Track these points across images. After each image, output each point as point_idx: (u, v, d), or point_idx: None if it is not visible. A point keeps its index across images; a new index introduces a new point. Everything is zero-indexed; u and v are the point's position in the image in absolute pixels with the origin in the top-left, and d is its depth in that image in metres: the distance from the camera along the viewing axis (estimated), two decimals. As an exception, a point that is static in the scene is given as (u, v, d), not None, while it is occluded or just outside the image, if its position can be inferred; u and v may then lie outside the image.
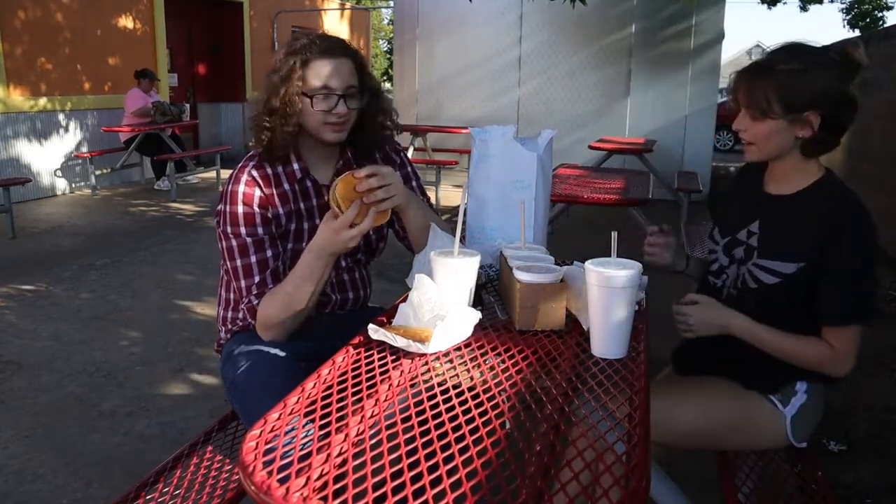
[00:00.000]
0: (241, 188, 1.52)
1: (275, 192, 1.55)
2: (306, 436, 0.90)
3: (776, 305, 1.49)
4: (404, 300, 1.32)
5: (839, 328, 1.42)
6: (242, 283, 1.52)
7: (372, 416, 0.95)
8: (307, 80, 1.50)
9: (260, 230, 1.52)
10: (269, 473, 0.80)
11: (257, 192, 1.52)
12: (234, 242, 1.52)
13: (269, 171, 1.56)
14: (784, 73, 1.41)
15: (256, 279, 1.51)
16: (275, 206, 1.55)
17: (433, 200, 3.19)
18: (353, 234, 1.39)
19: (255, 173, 1.54)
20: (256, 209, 1.52)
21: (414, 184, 1.72)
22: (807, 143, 1.45)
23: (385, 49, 26.93)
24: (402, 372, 1.10)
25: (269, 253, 1.53)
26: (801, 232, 1.46)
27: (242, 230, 1.51)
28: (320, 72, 1.50)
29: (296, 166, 1.58)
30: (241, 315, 1.63)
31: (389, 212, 1.46)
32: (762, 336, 1.46)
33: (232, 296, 1.64)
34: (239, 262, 1.52)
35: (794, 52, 1.43)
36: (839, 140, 1.47)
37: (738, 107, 1.50)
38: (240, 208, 1.51)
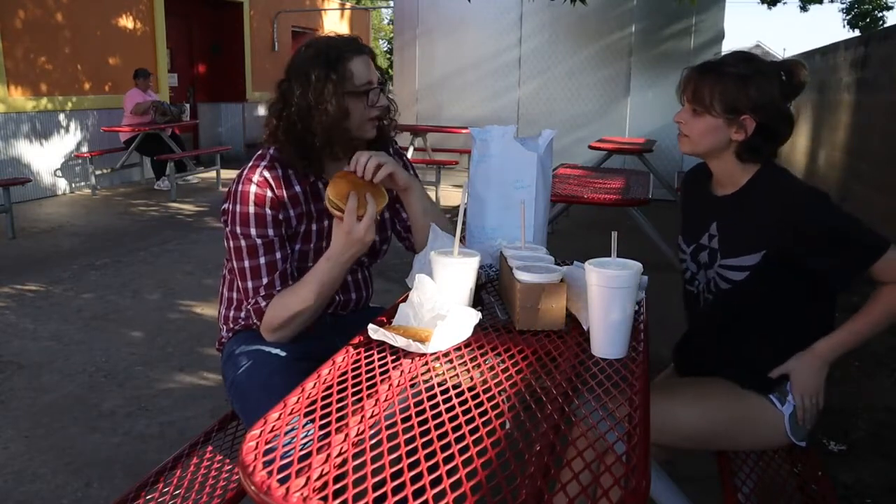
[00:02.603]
0: (253, 189, 1.50)
1: (286, 193, 1.53)
2: (306, 436, 0.90)
3: (753, 296, 1.51)
4: (404, 300, 1.32)
5: (881, 262, 1.40)
6: (249, 284, 1.51)
7: (372, 416, 0.95)
8: (351, 79, 1.50)
9: (270, 231, 1.51)
10: (269, 473, 0.80)
11: (269, 194, 1.50)
12: (242, 243, 1.50)
13: (280, 172, 1.54)
14: (730, 75, 1.47)
15: (264, 281, 1.50)
16: (286, 208, 1.53)
17: (433, 200, 3.17)
18: (364, 224, 1.38)
19: (266, 174, 1.52)
20: (267, 211, 1.50)
21: None
22: (740, 147, 1.50)
23: (385, 49, 26.92)
24: (402, 372, 1.10)
25: (278, 255, 1.52)
26: (753, 223, 1.49)
27: (252, 231, 1.50)
28: (359, 69, 1.51)
29: None
30: (242, 314, 1.62)
31: (385, 193, 1.45)
32: (850, 336, 1.47)
33: (234, 295, 1.63)
34: (247, 263, 1.50)
35: (745, 59, 1.49)
36: (775, 151, 1.53)
37: (682, 101, 1.56)
38: (251, 209, 1.49)
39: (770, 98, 1.46)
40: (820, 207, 1.44)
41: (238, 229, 1.50)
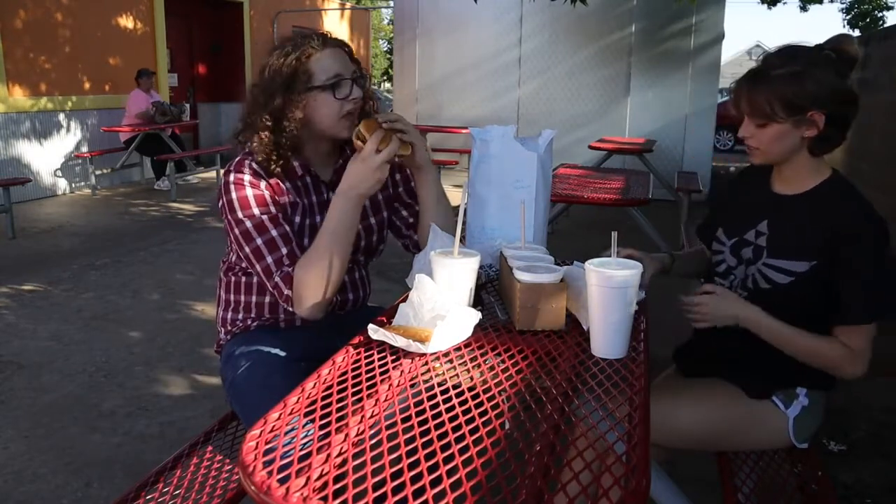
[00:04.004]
0: (246, 176, 1.49)
1: (274, 187, 1.52)
2: (306, 436, 0.90)
3: (792, 304, 1.47)
4: (404, 300, 1.32)
5: (856, 327, 1.40)
6: (269, 259, 1.46)
7: (372, 416, 0.95)
8: (315, 75, 1.48)
9: (272, 209, 1.49)
10: (269, 473, 0.80)
11: (262, 181, 1.50)
12: (248, 224, 1.47)
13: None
14: (782, 77, 1.40)
15: (284, 251, 1.46)
16: (280, 196, 1.52)
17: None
18: (381, 157, 1.39)
19: (255, 166, 1.51)
20: (265, 192, 1.49)
21: (413, 184, 1.72)
22: (814, 141, 1.45)
23: (385, 49, 26.93)
24: (402, 372, 1.10)
25: (286, 227, 1.50)
26: (811, 231, 1.45)
27: (256, 210, 1.47)
28: (325, 63, 1.49)
29: (295, 163, 1.56)
30: (240, 316, 1.62)
31: (410, 147, 1.50)
32: (776, 330, 1.43)
33: (232, 297, 1.63)
34: (260, 241, 1.47)
35: (789, 55, 1.43)
36: (845, 136, 1.47)
37: (741, 115, 1.49)
38: (248, 191, 1.48)
39: (829, 86, 1.40)
40: (863, 246, 1.39)
41: (240, 214, 1.47)
